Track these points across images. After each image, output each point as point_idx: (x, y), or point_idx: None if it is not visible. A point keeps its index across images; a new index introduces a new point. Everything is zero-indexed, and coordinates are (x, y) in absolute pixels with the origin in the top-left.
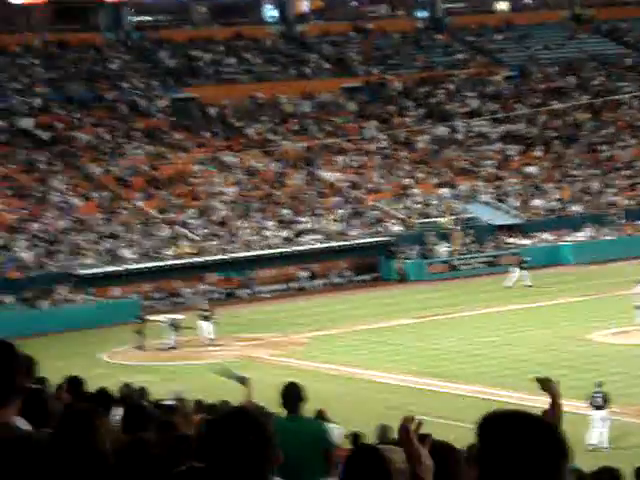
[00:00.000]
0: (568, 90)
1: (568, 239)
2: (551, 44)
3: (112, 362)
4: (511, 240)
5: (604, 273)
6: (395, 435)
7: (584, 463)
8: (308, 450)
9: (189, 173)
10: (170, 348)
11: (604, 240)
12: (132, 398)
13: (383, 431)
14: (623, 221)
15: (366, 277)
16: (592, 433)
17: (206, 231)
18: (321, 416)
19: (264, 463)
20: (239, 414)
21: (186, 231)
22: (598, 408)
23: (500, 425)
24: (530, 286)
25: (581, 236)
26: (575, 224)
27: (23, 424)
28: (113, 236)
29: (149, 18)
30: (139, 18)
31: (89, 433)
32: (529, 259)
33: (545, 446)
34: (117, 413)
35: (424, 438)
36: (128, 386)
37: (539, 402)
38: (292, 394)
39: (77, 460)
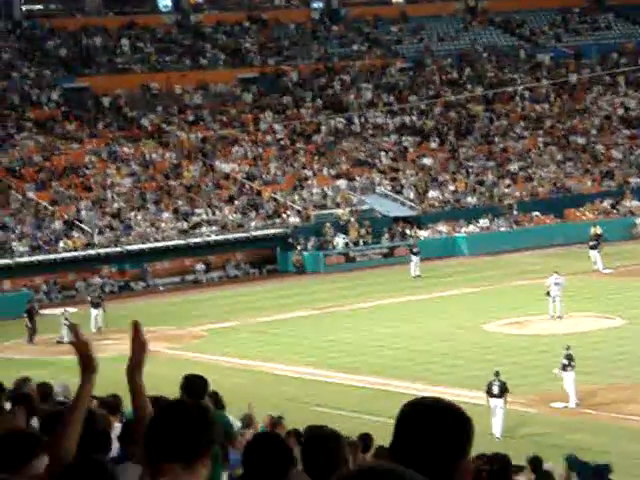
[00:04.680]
0: (462, 82)
1: (463, 230)
2: (445, 36)
3: (3, 357)
4: (407, 232)
5: (498, 264)
6: (283, 423)
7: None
8: None
9: (82, 164)
10: (58, 342)
11: (498, 231)
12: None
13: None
14: (516, 212)
15: (263, 269)
16: (494, 423)
17: (100, 223)
18: (215, 399)
19: (200, 439)
20: (185, 404)
21: (79, 223)
22: (493, 396)
23: (414, 414)
24: (419, 276)
25: (475, 227)
26: (470, 215)
27: None
28: (3, 228)
29: (40, 7)
30: (30, 7)
31: None
32: (418, 248)
33: (455, 432)
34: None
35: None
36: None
37: (437, 393)
38: (195, 385)
39: None
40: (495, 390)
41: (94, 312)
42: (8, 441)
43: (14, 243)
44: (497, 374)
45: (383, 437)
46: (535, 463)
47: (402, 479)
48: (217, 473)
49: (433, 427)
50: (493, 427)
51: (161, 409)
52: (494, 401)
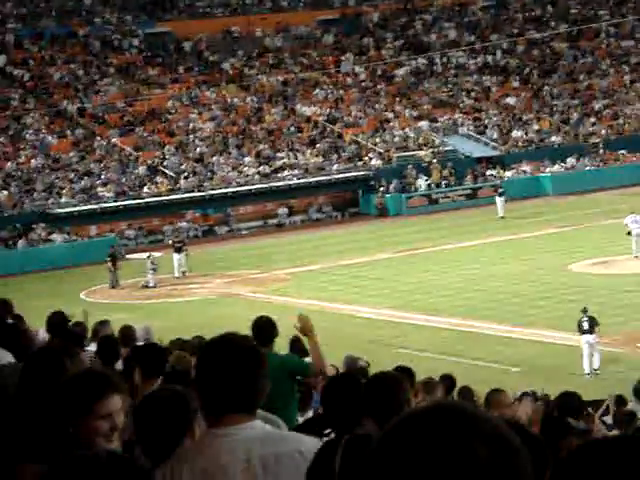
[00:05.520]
0: (546, 19)
1: (547, 170)
2: None
3: (89, 300)
4: (490, 172)
5: (583, 204)
6: (363, 365)
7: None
8: (279, 381)
9: (164, 109)
10: (144, 286)
11: (584, 171)
12: (105, 333)
13: (350, 361)
14: (602, 151)
15: (345, 212)
16: (585, 360)
17: (183, 167)
18: (297, 344)
19: (258, 387)
20: (234, 339)
21: (163, 168)
22: (585, 333)
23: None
24: (502, 217)
25: (560, 167)
26: (554, 155)
27: (7, 356)
28: (89, 174)
29: None
30: None
31: (56, 367)
32: (503, 189)
33: None
34: (91, 348)
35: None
36: (103, 323)
37: (518, 333)
38: (262, 328)
39: (43, 391)
40: (585, 326)
41: (176, 256)
42: (78, 381)
43: (99, 189)
44: (585, 310)
45: (467, 378)
46: (618, 402)
47: (467, 414)
48: (293, 412)
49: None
50: (584, 363)
51: (208, 356)
52: (586, 337)
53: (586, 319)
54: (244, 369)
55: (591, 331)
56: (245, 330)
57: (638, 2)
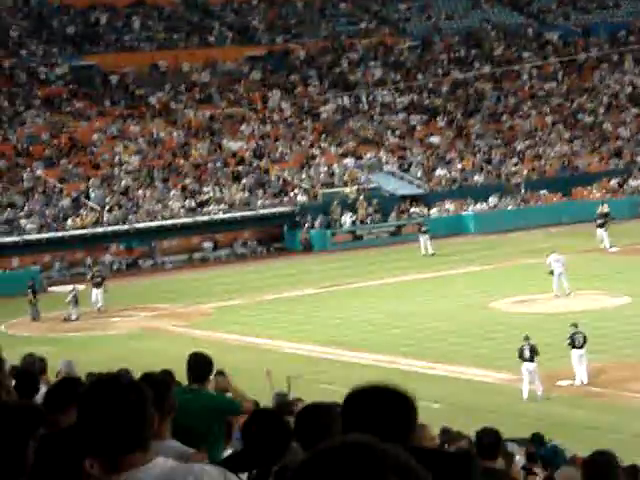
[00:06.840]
0: (470, 60)
1: (470, 209)
2: (453, 14)
3: (11, 333)
4: (414, 210)
5: (505, 243)
6: (292, 401)
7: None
8: (208, 420)
9: (90, 142)
10: (66, 319)
11: (505, 210)
12: (21, 367)
13: (280, 398)
14: (523, 191)
15: (270, 247)
16: (524, 386)
17: (107, 200)
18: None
19: (146, 422)
20: (112, 378)
21: (87, 201)
22: (525, 360)
23: (359, 400)
24: (433, 254)
25: (483, 206)
26: (477, 194)
27: None
28: (12, 206)
29: None
30: None
31: None
32: (427, 227)
33: (399, 416)
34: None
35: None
36: (30, 356)
37: (439, 369)
38: (198, 364)
39: None
40: (526, 354)
41: (95, 291)
42: (13, 414)
43: (22, 221)
44: (527, 338)
45: None
46: (536, 440)
47: (379, 448)
48: (219, 450)
49: (380, 410)
50: (524, 390)
51: (93, 397)
52: (526, 365)
53: (527, 347)
54: (127, 407)
55: (532, 359)
56: (167, 363)
57: (560, 45)
